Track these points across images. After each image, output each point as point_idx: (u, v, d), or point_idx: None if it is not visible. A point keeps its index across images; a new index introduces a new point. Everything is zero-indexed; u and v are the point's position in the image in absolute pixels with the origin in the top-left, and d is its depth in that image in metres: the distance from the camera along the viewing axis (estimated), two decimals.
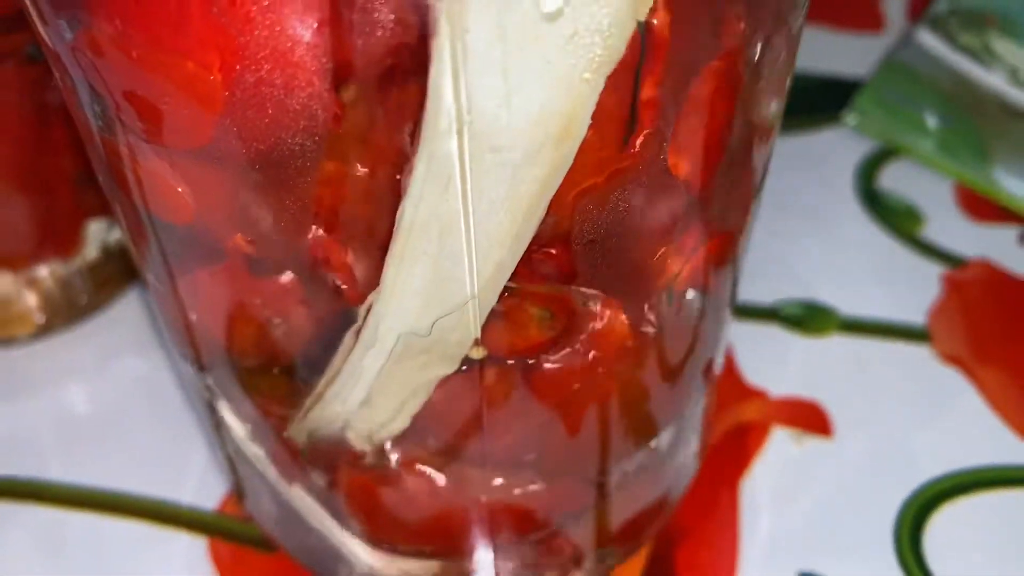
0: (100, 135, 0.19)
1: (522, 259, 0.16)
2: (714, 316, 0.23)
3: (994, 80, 0.38)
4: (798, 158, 0.40)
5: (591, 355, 0.18)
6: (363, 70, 0.14)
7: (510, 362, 0.18)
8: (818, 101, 0.42)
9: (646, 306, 0.18)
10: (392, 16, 0.13)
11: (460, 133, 0.14)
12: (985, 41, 0.38)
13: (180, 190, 0.16)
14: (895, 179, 0.39)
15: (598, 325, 0.17)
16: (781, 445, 0.31)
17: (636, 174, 0.15)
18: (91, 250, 0.33)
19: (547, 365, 0.18)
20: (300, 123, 0.14)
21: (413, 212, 0.15)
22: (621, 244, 0.16)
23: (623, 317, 0.17)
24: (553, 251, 0.16)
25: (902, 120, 0.39)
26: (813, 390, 0.32)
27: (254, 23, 0.13)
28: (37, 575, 0.28)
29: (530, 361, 0.18)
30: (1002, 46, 0.38)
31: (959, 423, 0.32)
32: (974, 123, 0.38)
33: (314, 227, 0.16)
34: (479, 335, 0.17)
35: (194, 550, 0.29)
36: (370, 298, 0.16)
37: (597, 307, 0.17)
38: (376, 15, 0.13)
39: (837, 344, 0.34)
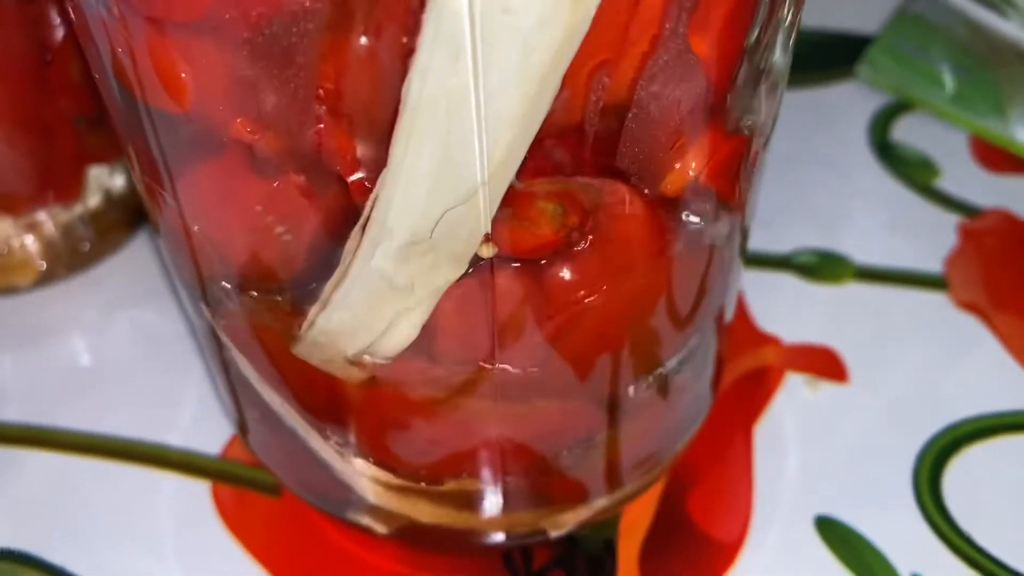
0: (95, 15, 0.18)
1: (533, 145, 0.16)
2: (728, 240, 0.22)
3: (1011, 29, 0.37)
4: (811, 112, 0.40)
5: (603, 253, 0.17)
6: None
7: (521, 264, 0.18)
8: (830, 56, 0.41)
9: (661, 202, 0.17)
10: None
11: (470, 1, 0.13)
12: None
13: (177, 70, 0.15)
14: (909, 131, 0.39)
15: (612, 215, 0.17)
16: (795, 390, 0.30)
17: (655, 49, 0.15)
18: (93, 196, 0.32)
19: (558, 270, 0.18)
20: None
21: (420, 86, 0.14)
22: (637, 129, 0.15)
23: (638, 206, 0.17)
24: (565, 138, 0.15)
25: (916, 72, 0.39)
26: (828, 337, 0.32)
27: None
28: (46, 519, 0.28)
29: (542, 262, 0.18)
30: None
31: (976, 369, 0.31)
32: (990, 73, 0.38)
33: (316, 106, 0.15)
34: (489, 229, 0.17)
35: (197, 494, 0.28)
36: (376, 189, 0.16)
37: (610, 197, 0.16)
38: None
39: (852, 292, 0.33)
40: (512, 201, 0.16)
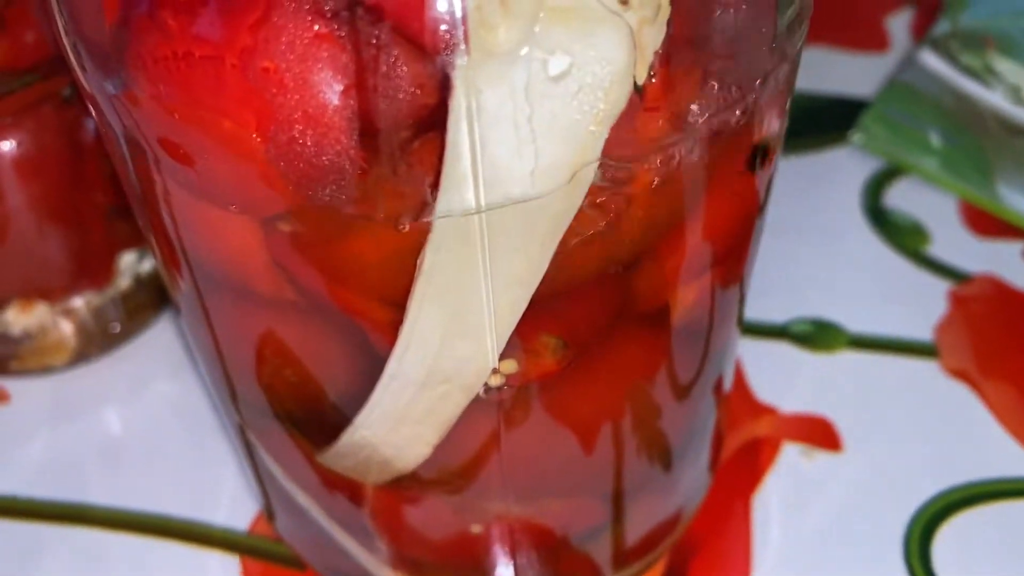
0: (137, 177, 0.20)
1: (536, 294, 0.17)
2: (723, 327, 0.24)
3: (995, 99, 0.39)
4: (805, 178, 0.41)
5: (603, 375, 0.19)
6: (387, 129, 0.15)
7: (526, 387, 0.19)
8: (824, 121, 0.43)
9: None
10: (413, 80, 0.14)
11: (477, 183, 0.15)
12: (986, 61, 0.39)
13: (219, 241, 0.17)
14: (901, 197, 0.40)
15: (612, 344, 0.18)
16: (792, 460, 0.32)
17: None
18: (124, 280, 0.34)
19: (561, 389, 0.19)
20: (329, 177, 0.15)
21: (433, 258, 0.16)
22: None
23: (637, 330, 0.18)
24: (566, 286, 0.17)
25: (906, 139, 0.40)
26: (823, 406, 0.33)
27: (287, 89, 0.14)
28: None
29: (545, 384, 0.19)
30: (1003, 66, 0.39)
31: (966, 437, 0.32)
32: (977, 141, 0.39)
33: (340, 276, 0.17)
34: (497, 364, 0.18)
35: (227, 569, 0.30)
36: (395, 339, 0.18)
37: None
38: (398, 80, 0.14)
39: (846, 360, 0.35)
40: (517, 338, 0.18)
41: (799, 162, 0.42)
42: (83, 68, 0.20)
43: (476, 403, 0.19)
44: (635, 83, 0.15)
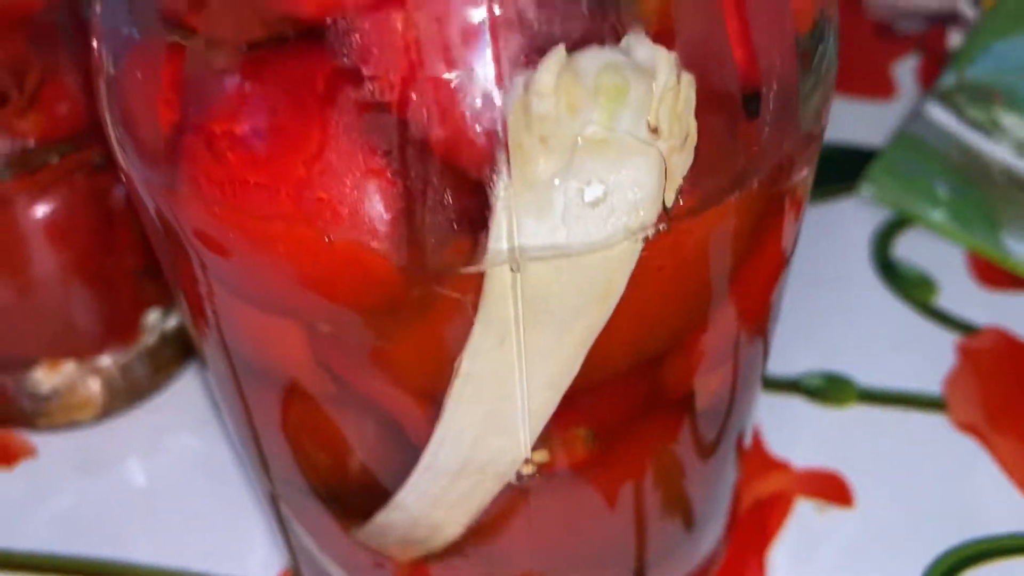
0: (175, 266, 0.21)
1: (569, 392, 0.18)
2: (747, 393, 0.24)
3: (1001, 152, 0.40)
4: (814, 227, 0.42)
5: (628, 462, 0.20)
6: (432, 253, 0.15)
7: (557, 476, 0.20)
8: (831, 171, 0.44)
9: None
10: (457, 210, 0.15)
11: (516, 300, 0.16)
12: (992, 115, 0.40)
13: (260, 337, 0.18)
14: (909, 248, 0.41)
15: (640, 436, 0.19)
16: (805, 516, 0.33)
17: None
18: (150, 336, 0.35)
19: (590, 478, 0.20)
20: (372, 298, 0.16)
21: (471, 363, 0.17)
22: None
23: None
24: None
25: (914, 190, 0.41)
26: (834, 461, 0.34)
27: (339, 217, 0.15)
28: None
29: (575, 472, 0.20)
30: (1009, 120, 0.40)
31: (975, 492, 0.33)
32: (983, 193, 0.40)
33: (380, 376, 0.17)
34: (529, 456, 0.19)
35: None
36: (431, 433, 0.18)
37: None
38: (444, 211, 0.15)
39: (857, 414, 0.35)
40: (550, 431, 0.19)
41: (808, 212, 0.42)
42: (126, 159, 0.21)
43: (507, 488, 0.20)
44: (664, 205, 0.16)
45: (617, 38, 0.14)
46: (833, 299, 0.39)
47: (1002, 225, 0.40)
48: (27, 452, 0.36)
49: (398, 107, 0.14)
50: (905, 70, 0.49)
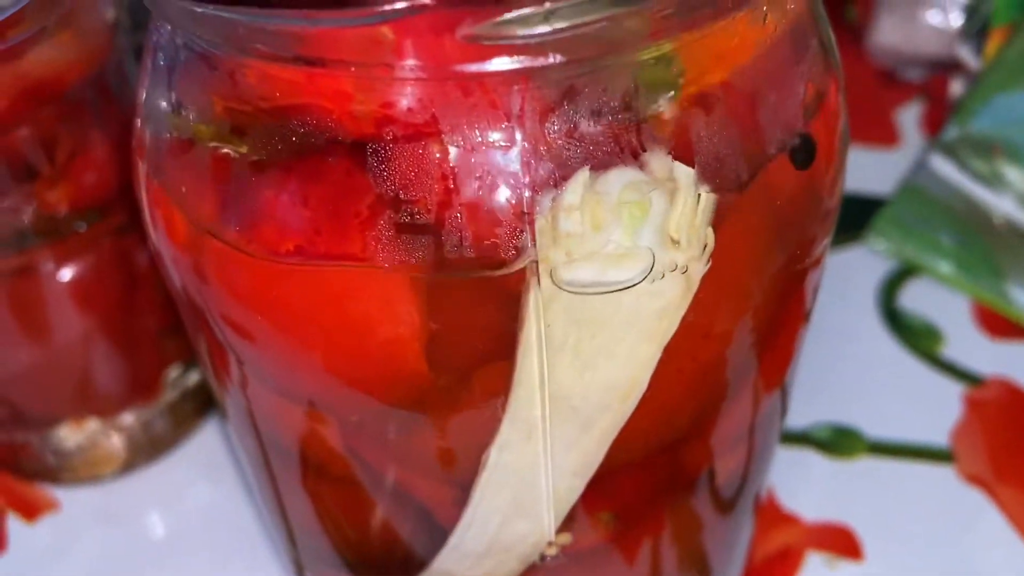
0: (197, 333, 0.21)
1: (592, 480, 0.19)
2: (765, 456, 0.25)
3: (1004, 204, 0.40)
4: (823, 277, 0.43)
5: (653, 531, 0.20)
6: (459, 357, 0.16)
7: (579, 554, 0.21)
8: (841, 220, 0.44)
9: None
10: (487, 316, 0.16)
11: (543, 400, 0.16)
12: (995, 168, 0.41)
13: (283, 417, 0.19)
14: (915, 298, 0.42)
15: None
16: (816, 570, 0.33)
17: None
18: (171, 393, 0.36)
19: (612, 557, 0.21)
20: (399, 397, 0.17)
21: (498, 456, 0.17)
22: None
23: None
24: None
25: (920, 241, 0.42)
26: (844, 514, 0.35)
27: (373, 325, 0.16)
28: None
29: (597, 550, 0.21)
30: (1011, 173, 0.40)
31: (982, 544, 0.34)
32: (987, 244, 0.41)
33: (409, 465, 0.18)
34: (553, 539, 0.20)
35: None
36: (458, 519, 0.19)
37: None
38: (474, 316, 0.16)
39: (865, 467, 0.36)
40: (574, 515, 0.19)
41: None
42: (157, 239, 0.22)
43: (530, 567, 0.21)
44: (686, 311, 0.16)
45: (639, 157, 0.15)
46: (841, 349, 0.40)
47: (1006, 275, 0.40)
48: (50, 506, 0.36)
49: (434, 227, 0.15)
50: (909, 117, 0.50)
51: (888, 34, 0.52)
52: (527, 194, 0.15)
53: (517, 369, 0.16)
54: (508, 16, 0.13)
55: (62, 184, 0.29)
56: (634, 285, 0.16)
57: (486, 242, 0.15)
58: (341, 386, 0.17)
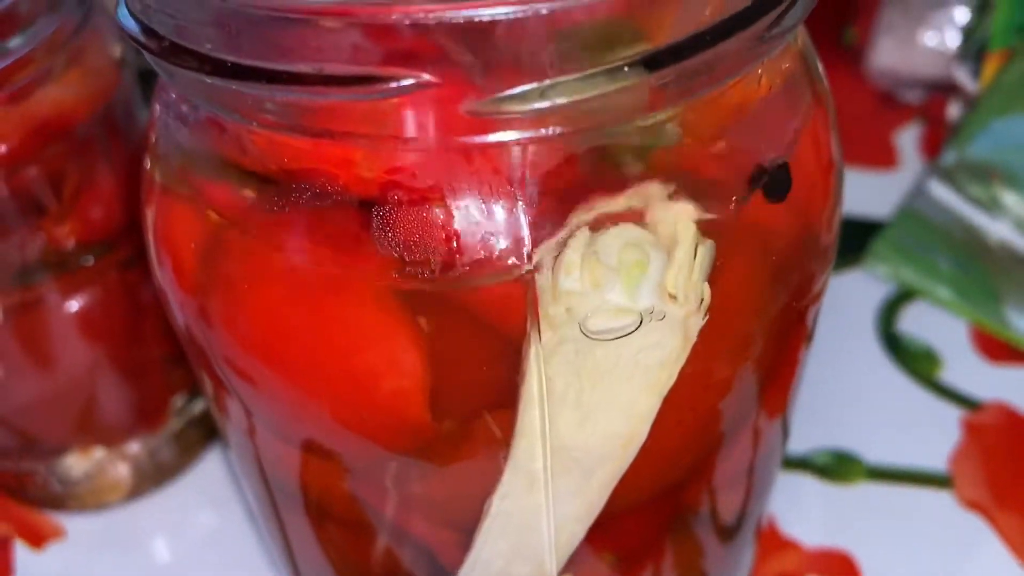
0: (199, 367, 0.22)
1: (595, 523, 0.19)
2: (765, 488, 0.25)
3: (1001, 229, 0.41)
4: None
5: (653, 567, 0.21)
6: (461, 408, 0.17)
7: None
8: (841, 242, 0.45)
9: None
10: (488, 368, 0.16)
11: (545, 451, 0.17)
12: (992, 193, 0.41)
13: (288, 462, 0.19)
14: (913, 321, 0.42)
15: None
16: None
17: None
18: (177, 421, 0.36)
19: None
20: (403, 445, 0.17)
21: (499, 504, 0.18)
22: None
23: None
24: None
25: (918, 265, 0.42)
26: (843, 540, 0.35)
27: (376, 377, 0.16)
28: None
29: None
30: (1008, 198, 0.41)
31: (982, 570, 0.34)
32: (985, 269, 0.41)
33: (413, 510, 0.19)
34: None
35: None
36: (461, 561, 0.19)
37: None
38: (476, 369, 0.16)
39: (864, 492, 0.36)
40: (576, 558, 0.20)
41: None
42: (163, 278, 0.22)
43: None
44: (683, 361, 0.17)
45: (638, 215, 0.16)
46: (839, 373, 0.40)
47: (1004, 300, 0.41)
48: (56, 533, 0.37)
49: (438, 287, 0.15)
50: (907, 139, 0.51)
51: (886, 56, 0.52)
52: (528, 253, 0.15)
53: (519, 421, 0.16)
54: (509, 93, 0.13)
55: (69, 219, 0.30)
56: (630, 334, 0.16)
57: (488, 300, 0.15)
58: (345, 433, 0.18)
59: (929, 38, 0.51)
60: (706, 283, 0.16)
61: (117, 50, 0.31)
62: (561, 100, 0.13)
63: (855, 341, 0.42)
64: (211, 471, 0.38)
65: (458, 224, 0.15)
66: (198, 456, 0.38)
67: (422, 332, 0.16)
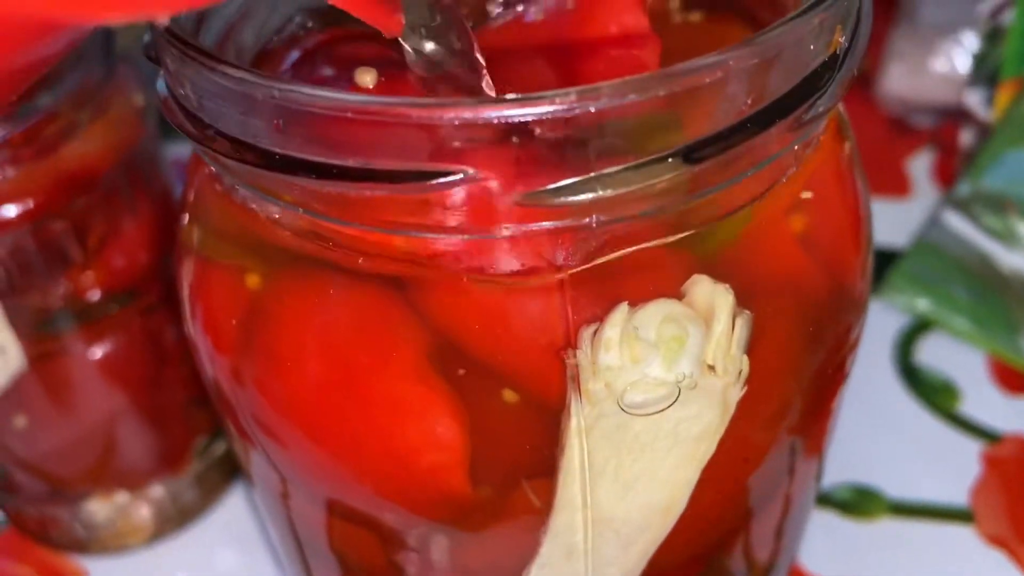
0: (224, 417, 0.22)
1: None
2: (799, 532, 0.25)
3: (1017, 260, 0.41)
4: None
5: None
6: (501, 478, 0.17)
7: None
8: None
9: None
10: (526, 443, 0.16)
11: (585, 523, 0.17)
12: (1007, 223, 0.41)
13: (321, 523, 0.19)
14: (931, 353, 0.42)
15: None
16: None
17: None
18: (199, 463, 0.36)
19: None
20: (442, 515, 0.17)
21: (538, 572, 0.18)
22: None
23: None
24: None
25: (934, 295, 0.42)
26: None
27: (405, 461, 0.16)
28: None
29: None
30: (1023, 229, 0.41)
31: None
32: (1001, 299, 0.41)
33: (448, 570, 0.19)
34: None
35: None
36: None
37: None
38: (512, 445, 0.16)
39: (887, 528, 0.36)
40: None
41: None
42: (194, 332, 0.22)
43: None
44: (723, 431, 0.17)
45: (676, 289, 0.16)
46: (858, 406, 0.40)
47: (1021, 330, 0.41)
48: None
49: (478, 362, 0.15)
50: (920, 166, 0.51)
51: (896, 82, 0.52)
52: (569, 329, 0.15)
53: (558, 493, 0.16)
54: (556, 185, 0.13)
55: (94, 269, 0.30)
56: (669, 407, 0.16)
57: (529, 376, 0.15)
58: (381, 502, 0.18)
59: (939, 64, 0.52)
60: (745, 355, 0.16)
61: (139, 98, 0.31)
62: (607, 192, 0.13)
63: (874, 374, 0.42)
64: (233, 511, 0.38)
65: (498, 301, 0.15)
66: (220, 497, 0.38)
67: (462, 407, 0.16)
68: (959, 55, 0.51)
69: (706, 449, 0.17)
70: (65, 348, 0.31)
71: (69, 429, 0.33)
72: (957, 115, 0.50)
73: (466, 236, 0.14)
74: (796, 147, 0.16)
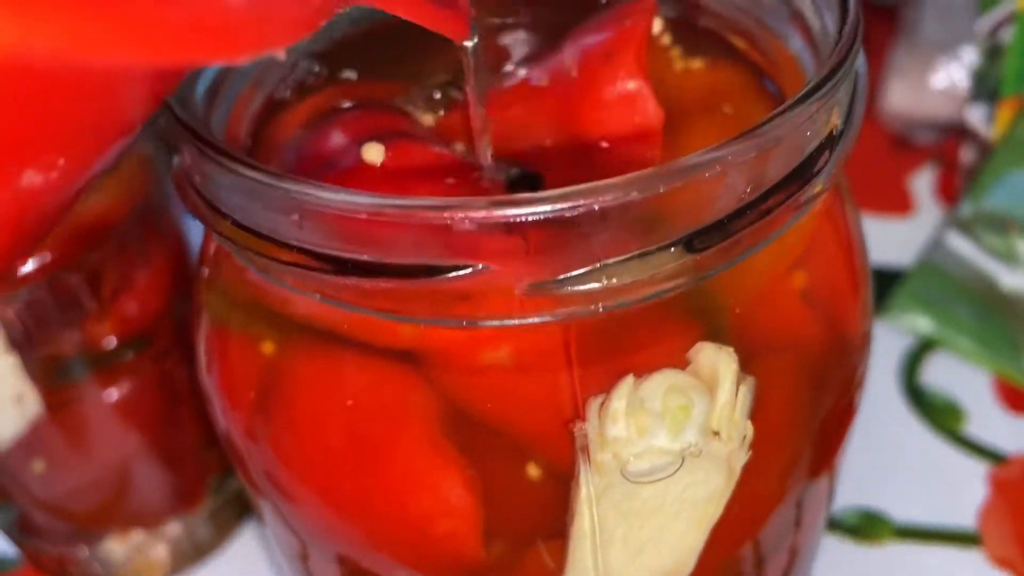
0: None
1: None
2: (811, 560, 0.26)
3: (1020, 280, 0.41)
4: None
5: None
6: (514, 540, 0.17)
7: None
8: None
9: None
10: (539, 508, 0.17)
11: None
12: (1009, 244, 0.42)
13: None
14: (936, 374, 0.42)
15: None
16: None
17: None
18: (213, 500, 0.37)
19: None
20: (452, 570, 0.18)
21: None
22: None
23: None
24: None
25: (938, 316, 0.42)
26: None
27: (419, 529, 0.17)
28: None
29: None
30: None
31: None
32: (1005, 319, 0.41)
33: None
34: None
35: None
36: None
37: None
38: (525, 510, 0.17)
39: (893, 553, 0.37)
40: None
41: None
42: (209, 384, 0.23)
43: None
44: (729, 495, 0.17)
45: (680, 360, 0.16)
46: (864, 428, 0.40)
47: None
48: None
49: (490, 437, 0.16)
50: (922, 184, 0.51)
51: (897, 99, 0.53)
52: (577, 402, 0.16)
53: (570, 557, 0.17)
54: (563, 276, 0.14)
55: (108, 318, 0.30)
56: (674, 474, 0.17)
57: (539, 447, 0.16)
58: (392, 564, 0.18)
59: (940, 80, 0.52)
60: (749, 420, 0.17)
61: (148, 148, 0.31)
62: (615, 281, 0.14)
63: (878, 395, 0.42)
64: (247, 546, 0.39)
65: (508, 380, 0.15)
66: (234, 532, 0.38)
67: (475, 474, 0.17)
68: (959, 71, 0.51)
69: (713, 512, 0.17)
70: (81, 394, 0.31)
71: (86, 471, 0.33)
72: (959, 131, 0.51)
73: (475, 324, 0.15)
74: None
